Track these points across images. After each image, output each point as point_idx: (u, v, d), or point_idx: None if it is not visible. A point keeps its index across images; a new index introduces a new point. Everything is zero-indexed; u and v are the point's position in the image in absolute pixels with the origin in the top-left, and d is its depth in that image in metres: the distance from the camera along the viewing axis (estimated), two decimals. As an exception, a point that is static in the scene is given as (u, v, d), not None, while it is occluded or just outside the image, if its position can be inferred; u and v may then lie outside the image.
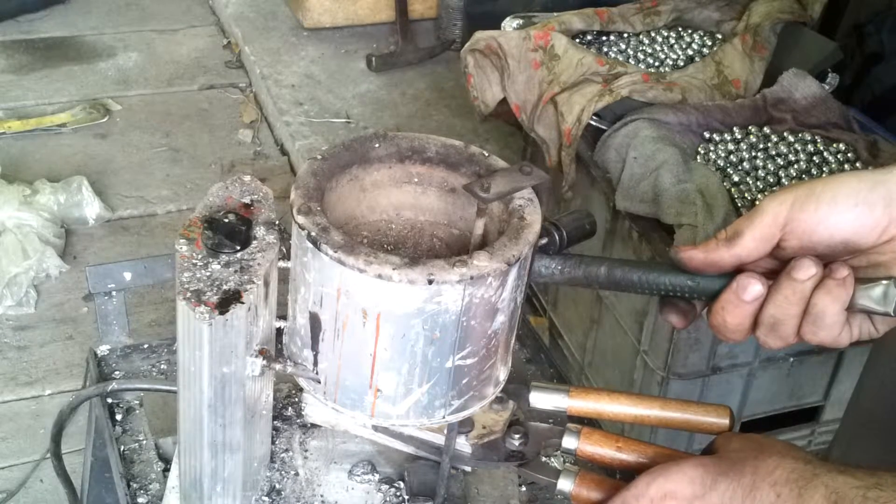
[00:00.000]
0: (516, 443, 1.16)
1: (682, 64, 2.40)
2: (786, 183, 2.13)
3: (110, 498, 1.44)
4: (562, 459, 1.16)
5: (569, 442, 1.10)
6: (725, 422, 1.09)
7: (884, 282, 0.91)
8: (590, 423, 1.16)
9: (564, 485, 1.09)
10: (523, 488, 1.31)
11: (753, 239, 0.94)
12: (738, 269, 0.97)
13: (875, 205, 0.91)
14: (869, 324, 0.96)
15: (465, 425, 1.14)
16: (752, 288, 0.93)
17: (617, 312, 2.25)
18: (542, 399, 1.11)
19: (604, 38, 2.50)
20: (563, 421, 1.15)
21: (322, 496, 1.23)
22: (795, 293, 0.91)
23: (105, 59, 3.78)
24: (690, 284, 0.99)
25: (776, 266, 0.96)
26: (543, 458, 1.16)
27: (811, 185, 0.93)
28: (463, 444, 1.15)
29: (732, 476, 0.94)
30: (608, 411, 1.11)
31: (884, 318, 0.94)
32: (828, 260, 0.93)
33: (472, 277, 0.95)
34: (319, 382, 1.05)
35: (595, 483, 1.08)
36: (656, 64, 2.41)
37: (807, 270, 0.91)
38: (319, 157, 1.07)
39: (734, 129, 2.22)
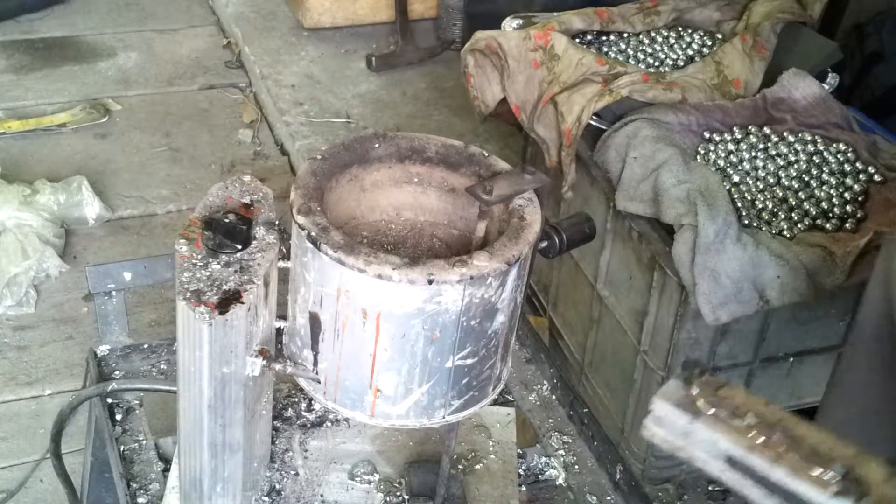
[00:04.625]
0: None
1: (682, 64, 2.40)
2: (786, 183, 2.13)
3: (110, 498, 1.44)
4: None
5: None
6: None
7: None
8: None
9: None
10: (523, 488, 1.31)
11: None
12: None
13: None
14: None
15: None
16: None
17: (617, 312, 2.25)
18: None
19: (604, 38, 2.50)
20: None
21: (322, 496, 1.23)
22: None
23: (105, 59, 3.78)
24: None
25: None
26: None
27: None
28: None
29: None
30: None
31: None
32: None
33: (472, 277, 0.95)
34: (319, 382, 1.05)
35: None
36: (656, 64, 2.41)
37: None
38: (319, 157, 1.07)
39: (734, 129, 2.22)
